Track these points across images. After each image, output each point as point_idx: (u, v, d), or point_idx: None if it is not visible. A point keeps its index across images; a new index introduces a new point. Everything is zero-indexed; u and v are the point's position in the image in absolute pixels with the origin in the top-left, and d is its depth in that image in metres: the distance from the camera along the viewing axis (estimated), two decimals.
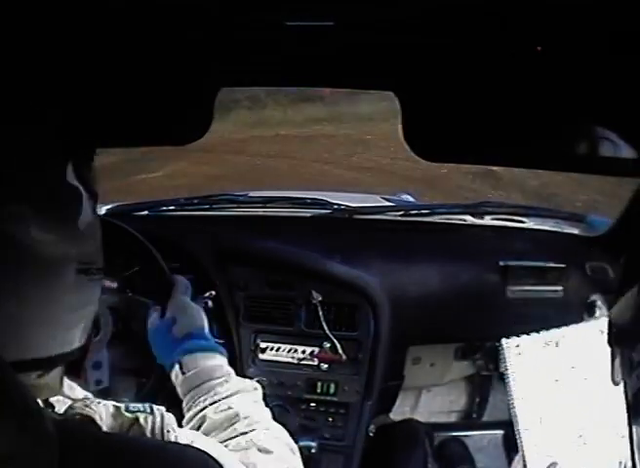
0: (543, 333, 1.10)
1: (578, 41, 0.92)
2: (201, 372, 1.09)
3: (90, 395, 0.86)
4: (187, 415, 1.04)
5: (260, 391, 1.10)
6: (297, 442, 1.01)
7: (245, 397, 1.05)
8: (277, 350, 1.69)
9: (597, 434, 1.01)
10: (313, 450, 1.61)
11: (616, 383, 0.81)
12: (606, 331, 0.93)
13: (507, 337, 1.85)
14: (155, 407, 0.76)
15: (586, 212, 2.21)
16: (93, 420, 0.71)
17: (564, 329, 1.11)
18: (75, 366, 0.78)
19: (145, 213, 1.95)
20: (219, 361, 1.12)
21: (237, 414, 0.98)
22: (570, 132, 1.00)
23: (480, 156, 1.10)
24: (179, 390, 1.11)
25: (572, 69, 0.95)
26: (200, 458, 0.71)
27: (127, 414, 0.74)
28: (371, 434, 1.67)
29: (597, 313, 1.69)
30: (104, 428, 0.72)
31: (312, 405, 1.67)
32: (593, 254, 1.79)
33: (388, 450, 1.79)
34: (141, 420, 0.73)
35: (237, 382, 1.09)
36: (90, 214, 0.71)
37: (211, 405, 1.02)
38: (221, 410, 1.00)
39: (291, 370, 1.68)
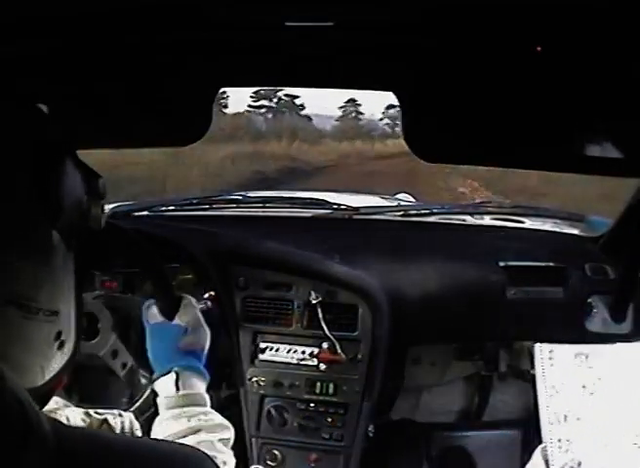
0: (575, 346, 1.19)
1: (578, 41, 0.92)
2: (197, 396, 1.10)
3: (60, 403, 0.86)
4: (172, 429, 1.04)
5: (232, 430, 1.12)
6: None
7: (223, 434, 1.07)
8: (276, 350, 1.69)
9: (622, 443, 1.07)
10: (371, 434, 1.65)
11: None
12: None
13: (507, 337, 1.88)
14: (125, 413, 0.77)
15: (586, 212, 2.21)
16: (59, 422, 0.71)
17: (595, 345, 1.19)
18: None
19: (145, 213, 1.95)
20: (204, 388, 1.14)
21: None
22: (570, 132, 1.00)
23: (480, 157, 1.10)
24: (162, 398, 1.10)
25: (572, 70, 0.95)
26: (194, 455, 0.72)
27: (96, 416, 0.74)
28: (370, 434, 1.67)
29: (595, 314, 1.69)
30: None
31: (312, 405, 1.67)
32: (593, 255, 1.79)
33: (385, 451, 1.79)
34: (110, 421, 0.74)
35: (217, 416, 1.11)
36: None
37: (193, 434, 1.04)
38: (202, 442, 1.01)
39: (290, 371, 1.68)
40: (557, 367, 1.14)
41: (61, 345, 0.68)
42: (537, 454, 1.08)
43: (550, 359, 1.15)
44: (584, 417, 1.10)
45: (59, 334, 0.67)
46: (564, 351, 1.16)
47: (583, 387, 1.12)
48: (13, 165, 0.63)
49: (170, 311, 1.21)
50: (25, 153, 0.64)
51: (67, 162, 0.67)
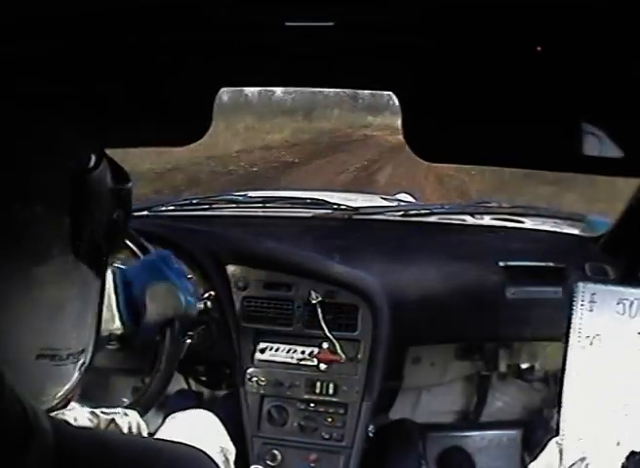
0: (620, 288, 1.06)
1: (578, 41, 0.92)
2: None
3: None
4: None
5: None
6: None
7: None
8: (276, 350, 1.70)
9: (633, 435, 1.03)
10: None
11: None
12: None
13: (507, 337, 1.88)
14: (130, 412, 0.77)
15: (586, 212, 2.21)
16: (67, 422, 0.71)
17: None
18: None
19: (145, 213, 1.95)
20: None
21: None
22: (570, 132, 1.00)
23: (480, 157, 1.10)
24: None
25: (572, 70, 0.95)
26: (195, 455, 0.72)
27: (103, 416, 0.74)
28: (370, 434, 1.67)
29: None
30: None
31: (311, 405, 1.67)
32: (593, 254, 1.79)
33: (384, 451, 1.79)
34: (118, 420, 0.74)
35: None
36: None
37: None
38: None
39: (290, 371, 1.68)
40: (597, 313, 1.04)
41: (82, 370, 0.69)
42: (551, 446, 1.04)
43: (591, 302, 1.05)
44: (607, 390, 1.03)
45: (83, 364, 0.68)
46: (608, 293, 1.05)
47: (619, 342, 1.04)
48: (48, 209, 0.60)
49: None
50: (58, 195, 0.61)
51: (100, 188, 0.64)
